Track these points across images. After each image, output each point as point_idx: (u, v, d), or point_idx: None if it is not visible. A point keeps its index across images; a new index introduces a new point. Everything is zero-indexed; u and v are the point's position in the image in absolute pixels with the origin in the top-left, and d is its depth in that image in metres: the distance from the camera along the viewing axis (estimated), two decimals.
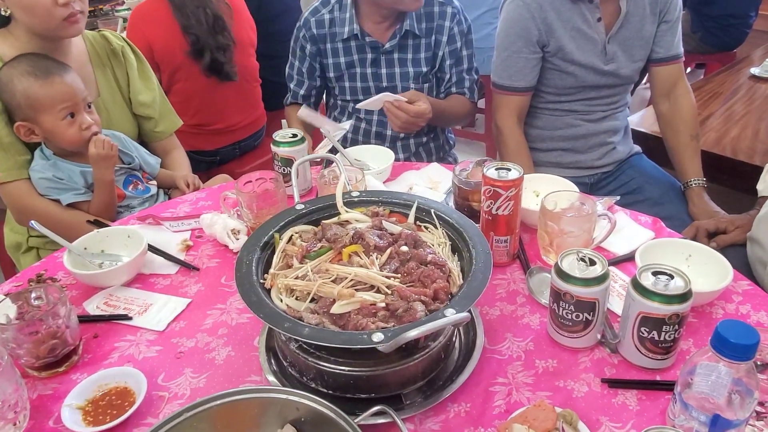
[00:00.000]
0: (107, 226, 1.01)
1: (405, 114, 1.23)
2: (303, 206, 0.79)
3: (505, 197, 0.83)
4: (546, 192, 0.88)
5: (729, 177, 1.64)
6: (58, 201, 1.17)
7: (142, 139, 1.39)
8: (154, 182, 1.30)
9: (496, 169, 0.84)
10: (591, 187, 1.47)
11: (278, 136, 1.08)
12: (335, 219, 0.77)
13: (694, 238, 1.13)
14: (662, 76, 1.40)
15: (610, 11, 1.29)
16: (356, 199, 0.81)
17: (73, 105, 1.12)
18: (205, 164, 1.93)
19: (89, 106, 1.16)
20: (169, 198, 1.31)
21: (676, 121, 1.40)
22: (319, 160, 1.12)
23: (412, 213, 0.78)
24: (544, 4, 1.27)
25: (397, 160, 1.45)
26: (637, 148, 1.54)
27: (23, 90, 1.09)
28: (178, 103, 1.72)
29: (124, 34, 2.07)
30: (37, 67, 1.10)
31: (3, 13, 1.11)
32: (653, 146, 1.60)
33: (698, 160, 1.39)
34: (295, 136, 1.08)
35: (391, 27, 1.34)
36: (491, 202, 0.84)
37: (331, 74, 1.41)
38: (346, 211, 0.78)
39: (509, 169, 0.84)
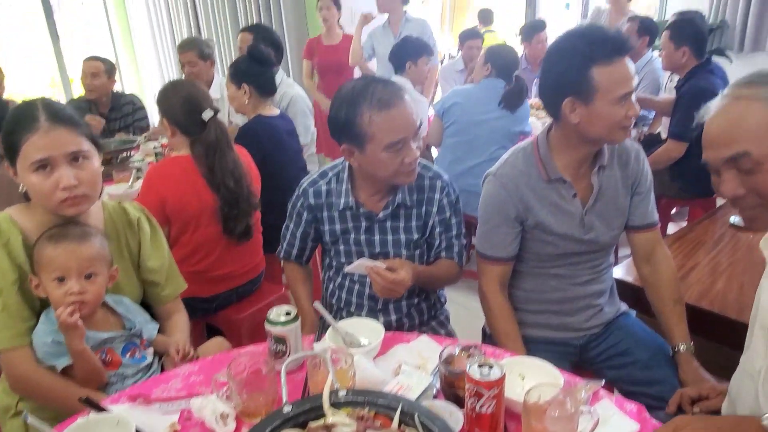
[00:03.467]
0: (99, 404, 1.02)
1: (382, 280, 1.29)
2: (290, 408, 0.81)
3: (487, 396, 0.85)
4: (531, 377, 0.90)
5: (717, 333, 1.66)
6: (54, 367, 1.19)
7: (146, 302, 1.43)
8: (151, 349, 1.33)
9: (479, 366, 0.87)
10: (580, 348, 1.49)
11: (272, 314, 1.12)
12: (322, 421, 0.79)
13: (679, 407, 1.14)
14: (640, 242, 1.48)
15: (585, 187, 1.39)
16: (342, 399, 0.83)
17: (65, 270, 1.17)
18: (202, 310, 1.96)
19: (89, 277, 1.20)
20: (162, 366, 1.33)
21: (658, 285, 1.46)
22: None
23: (396, 418, 0.80)
24: (521, 184, 1.37)
25: (388, 321, 1.50)
26: (625, 307, 1.58)
27: (39, 249, 1.18)
28: (183, 254, 1.82)
29: (137, 184, 2.22)
30: (59, 232, 1.18)
31: (20, 190, 1.20)
32: (641, 297, 1.63)
33: (684, 325, 1.42)
34: (288, 314, 1.12)
35: (385, 198, 1.43)
36: (474, 400, 0.86)
37: (327, 239, 1.49)
38: (333, 414, 0.80)
39: (491, 366, 0.87)
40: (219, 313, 1.99)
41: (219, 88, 3.14)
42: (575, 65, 1.23)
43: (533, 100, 3.59)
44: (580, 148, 1.35)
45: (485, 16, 7.06)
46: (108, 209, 1.37)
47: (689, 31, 2.59)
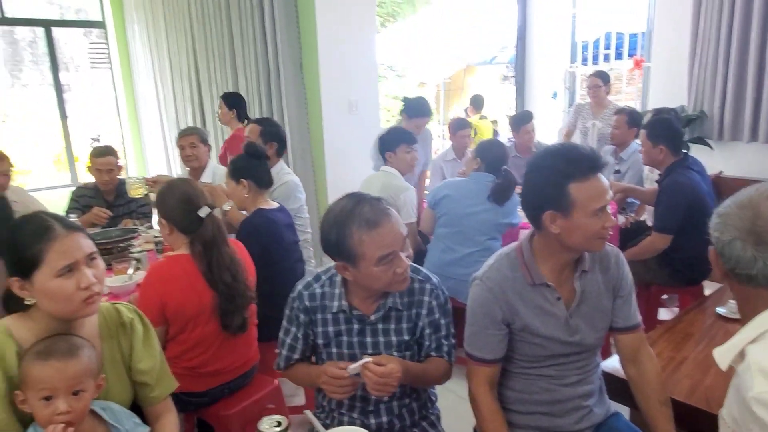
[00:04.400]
0: None
1: (374, 375, 1.32)
2: None
3: None
4: None
5: (707, 430, 1.66)
6: None
7: (136, 404, 1.44)
8: None
9: None
10: None
11: (263, 424, 1.14)
12: None
13: None
14: (625, 344, 1.52)
15: (568, 291, 1.45)
16: None
17: (52, 390, 1.17)
18: (194, 405, 1.96)
19: (76, 393, 1.20)
20: None
21: (644, 387, 1.49)
22: None
23: None
24: (506, 288, 1.43)
25: (379, 422, 1.51)
26: (614, 409, 1.59)
27: (25, 364, 1.18)
28: (180, 350, 1.85)
29: (137, 275, 2.27)
30: (47, 348, 1.20)
31: (27, 302, 1.24)
32: (630, 391, 1.64)
33: (671, 426, 1.44)
34: (279, 424, 1.14)
35: (377, 301, 1.49)
36: None
37: (320, 341, 1.53)
38: None
39: None
40: (211, 408, 1.98)
41: (211, 172, 3.30)
42: (553, 182, 1.32)
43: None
44: (562, 254, 1.42)
45: (476, 102, 7.43)
46: (102, 311, 1.39)
47: (665, 131, 2.74)
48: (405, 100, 3.82)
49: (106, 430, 1.30)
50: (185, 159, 3.31)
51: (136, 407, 1.43)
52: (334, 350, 1.52)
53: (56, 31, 5.82)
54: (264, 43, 4.33)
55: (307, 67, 4.27)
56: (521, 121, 4.24)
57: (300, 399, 2.58)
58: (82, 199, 3.11)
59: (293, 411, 2.34)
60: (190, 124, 5.07)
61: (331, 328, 1.51)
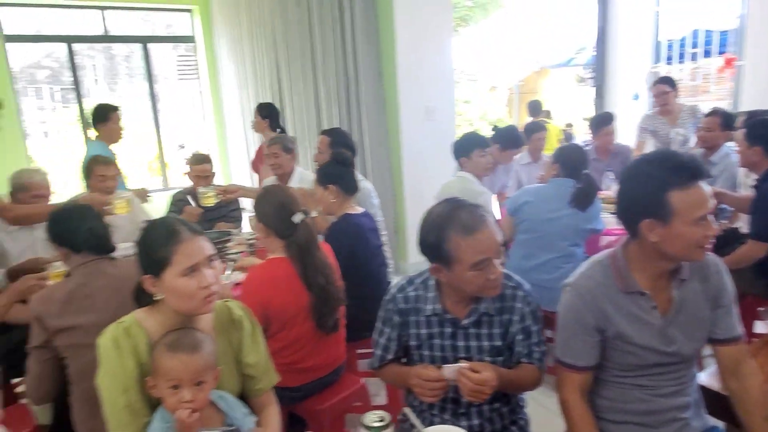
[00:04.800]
0: None
1: (469, 381, 1.36)
2: None
3: None
4: None
5: None
6: None
7: (242, 395, 1.56)
8: None
9: None
10: None
11: (367, 419, 1.21)
12: None
13: None
14: (726, 356, 1.48)
15: (664, 299, 1.43)
16: None
17: (179, 380, 1.30)
18: (288, 399, 2.07)
19: (198, 384, 1.33)
20: None
21: (746, 401, 1.44)
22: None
23: None
24: (598, 295, 1.43)
25: (470, 425, 1.55)
26: (712, 423, 1.55)
27: (157, 354, 1.32)
28: (278, 347, 1.97)
29: (233, 276, 2.43)
30: (175, 342, 1.34)
31: (156, 297, 1.39)
32: (729, 407, 1.59)
33: None
34: (382, 420, 1.21)
35: (469, 305, 1.53)
36: None
37: (412, 343, 1.58)
38: None
39: None
40: (303, 403, 2.09)
41: (298, 178, 3.44)
42: (652, 190, 1.31)
43: (605, 193, 3.63)
44: (660, 263, 1.40)
45: (534, 108, 7.23)
46: (215, 308, 1.52)
47: (762, 132, 2.61)
48: (496, 129, 3.81)
49: (221, 418, 1.42)
50: (271, 167, 3.48)
51: (242, 399, 1.54)
52: (426, 353, 1.57)
53: (151, 46, 6.26)
54: (343, 52, 4.47)
55: (386, 75, 4.37)
56: (601, 122, 4.14)
57: (381, 399, 2.65)
58: (180, 203, 3.34)
59: (375, 410, 2.41)
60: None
61: (423, 331, 1.56)
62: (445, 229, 1.41)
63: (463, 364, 1.37)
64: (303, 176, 3.38)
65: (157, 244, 1.34)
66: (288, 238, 2.01)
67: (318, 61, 4.63)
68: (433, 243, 1.43)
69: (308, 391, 2.10)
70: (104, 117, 3.85)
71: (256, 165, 4.50)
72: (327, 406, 2.08)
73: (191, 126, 7.19)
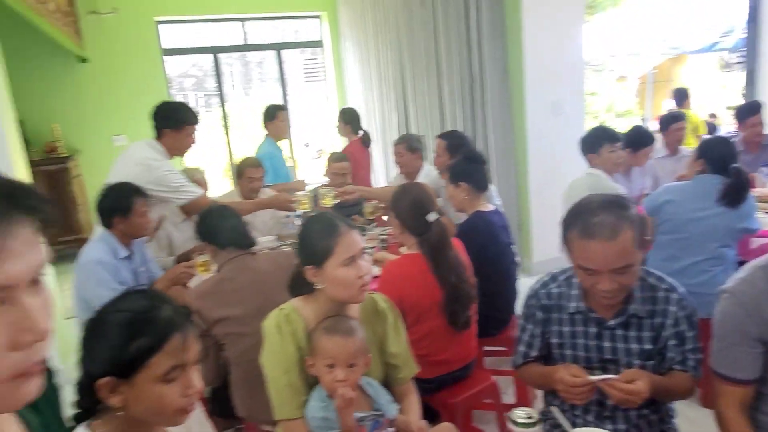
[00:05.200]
0: None
1: (618, 392, 1.32)
2: None
3: None
4: None
5: None
6: None
7: (386, 383, 1.64)
8: (393, 429, 1.51)
9: None
10: None
11: (515, 414, 1.23)
12: None
13: None
14: None
15: None
16: None
17: (335, 359, 1.42)
18: (422, 390, 2.13)
19: (351, 366, 1.44)
20: None
21: None
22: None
23: None
24: (762, 303, 1.32)
25: (616, 430, 1.50)
26: None
27: (316, 336, 1.44)
28: (412, 339, 2.01)
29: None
30: (333, 326, 1.45)
31: (316, 287, 1.50)
32: None
33: None
34: (530, 417, 1.22)
35: (616, 306, 1.48)
36: None
37: (555, 341, 1.57)
38: None
39: None
40: (436, 395, 2.15)
41: (425, 176, 3.50)
42: None
43: (761, 190, 3.30)
44: None
45: (680, 96, 6.64)
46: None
47: None
48: (626, 133, 3.59)
49: (368, 403, 1.52)
50: (397, 165, 3.59)
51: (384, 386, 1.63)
52: (569, 352, 1.55)
53: (283, 52, 6.68)
54: (468, 49, 4.47)
55: (512, 70, 4.31)
56: (748, 112, 3.76)
57: (510, 397, 2.64)
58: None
59: (506, 408, 2.41)
60: (395, 131, 5.44)
61: (566, 329, 1.54)
62: (569, 226, 1.41)
63: (614, 376, 1.34)
64: (430, 174, 3.44)
65: (320, 236, 1.47)
66: (421, 235, 2.07)
67: (442, 59, 4.67)
68: (564, 237, 1.43)
69: (440, 384, 2.15)
70: (272, 116, 4.24)
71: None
72: (459, 400, 2.12)
73: (317, 125, 7.58)
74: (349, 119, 4.65)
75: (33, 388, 0.53)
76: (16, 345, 0.50)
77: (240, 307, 1.97)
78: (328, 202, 3.28)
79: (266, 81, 8.11)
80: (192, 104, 7.79)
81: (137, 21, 5.43)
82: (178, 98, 7.29)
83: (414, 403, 1.65)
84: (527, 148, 4.30)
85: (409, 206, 2.10)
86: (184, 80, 8.08)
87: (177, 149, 2.76)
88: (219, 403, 2.12)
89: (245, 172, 3.32)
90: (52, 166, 4.88)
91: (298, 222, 3.31)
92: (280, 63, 6.66)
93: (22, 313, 0.50)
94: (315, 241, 1.47)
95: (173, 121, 2.70)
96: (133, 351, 0.96)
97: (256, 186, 3.34)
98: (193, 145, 2.80)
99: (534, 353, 1.61)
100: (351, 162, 3.76)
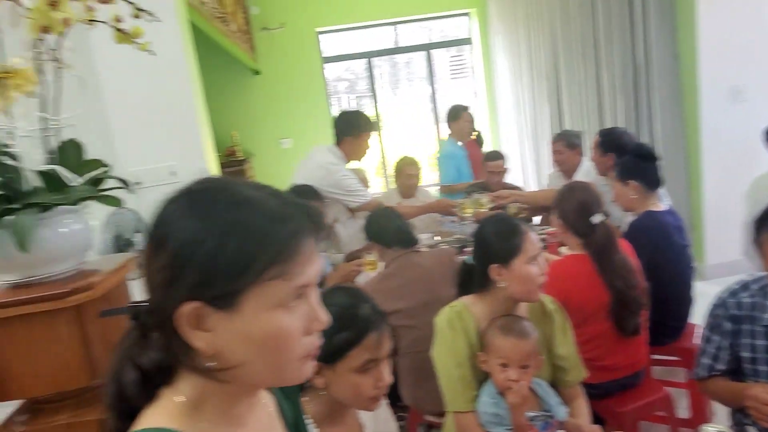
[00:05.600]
0: None
1: None
2: None
3: None
4: None
5: None
6: None
7: (553, 385, 1.64)
8: (563, 431, 1.51)
9: None
10: None
11: (706, 430, 1.17)
12: None
13: None
14: None
15: None
16: None
17: (508, 359, 1.45)
18: (588, 395, 2.07)
19: (523, 367, 1.46)
20: None
21: None
22: None
23: None
24: None
25: None
26: None
27: (490, 334, 1.49)
28: (577, 342, 1.99)
29: None
30: (508, 325, 1.49)
31: (499, 284, 1.53)
32: None
33: None
34: None
35: None
36: None
37: (746, 354, 1.45)
38: None
39: None
40: (601, 401, 2.08)
41: (584, 173, 3.35)
42: None
43: None
44: None
45: None
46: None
47: None
48: None
49: (537, 402, 1.53)
50: (555, 163, 3.48)
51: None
52: (763, 368, 1.42)
53: (432, 52, 6.80)
54: (631, 32, 4.20)
55: (683, 54, 3.95)
56: None
57: (684, 412, 2.45)
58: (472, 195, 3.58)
59: (680, 423, 2.25)
60: (546, 126, 5.28)
61: (760, 342, 1.42)
62: (761, 228, 1.31)
63: None
64: (590, 171, 3.30)
65: (506, 235, 1.52)
66: (586, 237, 2.02)
67: (601, 45, 4.43)
68: (752, 239, 1.35)
69: (607, 390, 2.08)
70: (456, 115, 4.22)
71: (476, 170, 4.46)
72: (629, 409, 2.03)
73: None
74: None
75: (310, 368, 0.66)
76: (308, 331, 0.64)
77: (407, 300, 2.08)
78: (484, 207, 3.24)
79: (413, 81, 8.31)
80: (344, 106, 8.27)
81: (302, 33, 5.89)
82: (333, 101, 7.78)
83: (583, 407, 1.63)
84: (701, 141, 3.92)
85: (575, 207, 2.06)
86: (338, 84, 8.59)
87: (355, 154, 2.99)
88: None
89: (403, 170, 3.48)
90: (232, 168, 5.51)
91: (455, 223, 3.37)
92: (430, 62, 6.78)
93: (311, 306, 0.64)
94: (502, 239, 1.52)
95: (353, 129, 2.93)
96: (337, 342, 1.10)
97: (413, 183, 3.49)
98: (368, 150, 3.00)
99: (720, 366, 1.50)
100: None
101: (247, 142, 5.99)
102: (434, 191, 4.34)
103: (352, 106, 8.37)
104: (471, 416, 1.51)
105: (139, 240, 2.75)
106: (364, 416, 1.31)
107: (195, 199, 0.62)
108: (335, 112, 5.96)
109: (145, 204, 2.24)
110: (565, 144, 3.42)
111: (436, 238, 3.26)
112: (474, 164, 4.35)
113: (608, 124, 4.36)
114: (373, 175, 7.56)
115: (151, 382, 0.63)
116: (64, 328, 1.31)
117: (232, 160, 5.63)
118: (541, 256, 1.52)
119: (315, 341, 0.66)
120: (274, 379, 0.65)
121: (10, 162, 1.30)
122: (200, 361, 0.61)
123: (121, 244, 2.68)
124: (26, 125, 1.36)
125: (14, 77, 1.30)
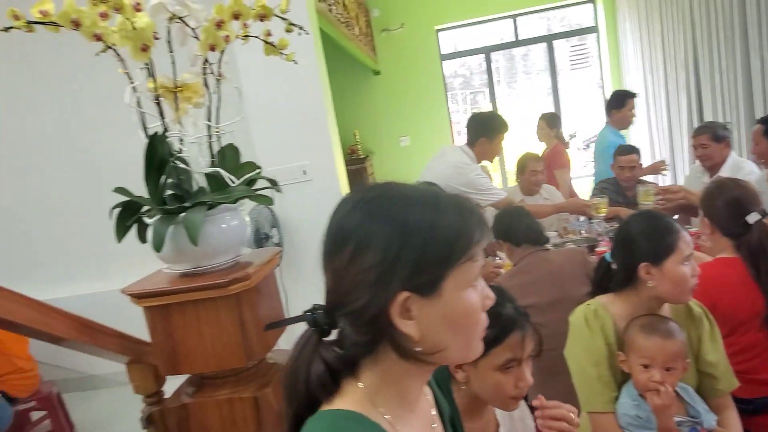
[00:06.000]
0: None
1: None
2: None
3: None
4: None
5: None
6: None
7: (699, 393, 1.54)
8: None
9: None
10: None
11: None
12: None
13: None
14: None
15: None
16: None
17: (651, 360, 1.38)
18: (738, 410, 1.92)
19: (668, 369, 1.39)
20: None
21: None
22: None
23: None
24: None
25: None
26: None
27: (631, 334, 1.44)
28: (727, 352, 1.82)
29: None
30: (651, 324, 1.43)
31: (649, 284, 1.47)
32: None
33: None
34: None
35: None
36: None
37: None
38: None
39: None
40: (754, 418, 1.90)
41: (730, 168, 3.06)
42: None
43: None
44: None
45: None
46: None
47: None
48: None
49: (682, 407, 1.45)
50: (698, 158, 3.21)
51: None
52: None
53: (554, 43, 6.56)
54: None
55: None
56: None
57: None
58: (603, 192, 3.42)
59: None
60: (684, 117, 4.88)
61: None
62: None
63: None
64: (738, 166, 3.01)
65: (660, 233, 1.46)
66: (738, 238, 1.85)
67: (752, 27, 4.00)
68: None
69: (762, 407, 1.89)
70: (621, 103, 3.88)
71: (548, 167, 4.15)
72: None
73: (585, 114, 7.23)
74: (554, 123, 4.47)
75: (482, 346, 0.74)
76: (484, 307, 0.73)
77: (536, 297, 2.05)
78: (648, 199, 3.08)
79: (530, 73, 8.06)
80: (459, 102, 8.22)
81: (421, 32, 5.97)
82: (449, 97, 7.78)
83: (735, 418, 1.52)
84: None
85: (725, 205, 1.90)
86: (454, 80, 8.56)
87: (487, 155, 3.03)
88: None
89: (528, 166, 3.40)
90: (354, 166, 5.72)
91: (581, 222, 3.25)
92: (551, 54, 6.55)
93: (483, 285, 0.74)
94: (654, 237, 1.46)
95: (489, 131, 2.96)
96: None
97: (539, 179, 3.40)
98: (501, 152, 3.01)
99: None
100: (549, 164, 3.60)
101: (367, 140, 6.19)
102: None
103: (468, 101, 8.32)
104: (610, 417, 1.46)
105: (275, 234, 2.97)
106: (500, 414, 1.32)
107: (381, 205, 0.70)
108: (452, 109, 5.97)
109: (280, 200, 2.42)
110: (711, 137, 3.13)
111: (566, 236, 3.17)
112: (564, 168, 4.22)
113: (760, 113, 3.94)
114: (491, 170, 7.47)
115: (335, 375, 0.71)
116: (225, 313, 1.47)
117: (353, 158, 5.85)
118: (692, 257, 1.43)
119: (486, 318, 0.73)
120: (464, 354, 0.73)
121: (182, 165, 1.47)
122: (409, 347, 0.69)
123: (260, 238, 2.91)
124: (194, 132, 1.54)
125: (185, 90, 1.48)
